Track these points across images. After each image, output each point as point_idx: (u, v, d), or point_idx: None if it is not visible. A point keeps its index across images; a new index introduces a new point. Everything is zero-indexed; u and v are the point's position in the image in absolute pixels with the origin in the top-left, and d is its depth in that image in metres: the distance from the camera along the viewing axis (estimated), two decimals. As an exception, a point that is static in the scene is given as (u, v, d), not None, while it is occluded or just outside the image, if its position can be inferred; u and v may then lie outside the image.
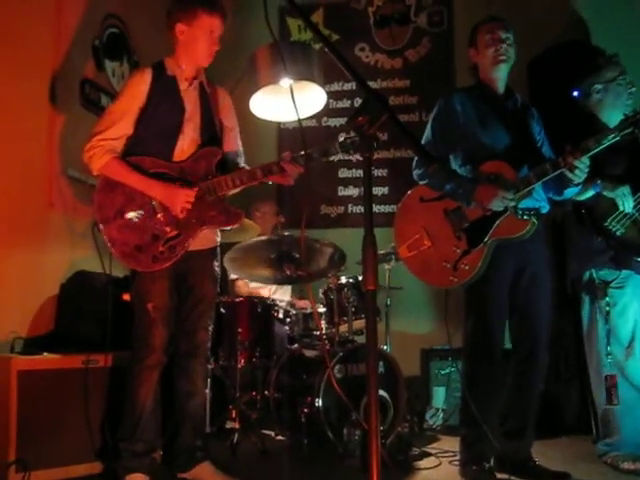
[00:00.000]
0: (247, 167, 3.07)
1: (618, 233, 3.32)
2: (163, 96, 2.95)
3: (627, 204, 3.27)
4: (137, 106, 2.92)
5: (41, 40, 3.82)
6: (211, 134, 3.05)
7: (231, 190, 2.94)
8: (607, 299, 3.35)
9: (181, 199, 2.86)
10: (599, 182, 3.28)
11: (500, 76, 3.19)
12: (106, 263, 2.91)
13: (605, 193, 3.31)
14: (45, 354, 3.13)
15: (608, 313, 3.34)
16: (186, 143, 2.97)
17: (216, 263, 3.11)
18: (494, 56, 3.14)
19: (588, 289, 3.45)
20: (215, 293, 3.13)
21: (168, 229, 2.88)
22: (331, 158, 2.96)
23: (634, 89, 3.53)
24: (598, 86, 3.50)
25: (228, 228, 3.06)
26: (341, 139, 2.86)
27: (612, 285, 3.37)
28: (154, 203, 2.88)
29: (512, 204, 2.96)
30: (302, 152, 2.90)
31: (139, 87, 2.93)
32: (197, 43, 2.96)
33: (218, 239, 3.15)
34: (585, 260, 3.45)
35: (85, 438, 3.05)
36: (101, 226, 2.85)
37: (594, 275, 3.40)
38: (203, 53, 2.99)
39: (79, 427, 3.06)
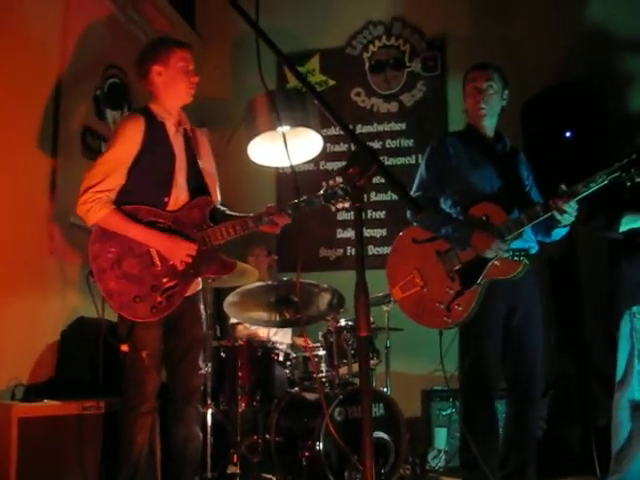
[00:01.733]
0: (233, 213, 3.08)
1: None
2: (156, 144, 2.92)
3: None
4: (132, 155, 2.87)
5: (44, 89, 3.92)
6: (199, 181, 3.05)
7: (225, 240, 2.95)
8: None
9: (183, 252, 2.86)
10: None
11: (486, 124, 3.26)
12: (100, 308, 2.89)
13: None
14: (45, 401, 3.13)
15: None
16: (180, 192, 2.96)
17: (202, 306, 3.11)
18: (474, 109, 3.24)
19: (630, 327, 3.41)
20: (204, 333, 3.13)
21: (165, 280, 2.86)
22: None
23: None
24: None
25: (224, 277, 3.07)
26: (322, 192, 2.91)
27: None
28: (152, 253, 2.87)
29: (506, 255, 3.00)
30: (290, 202, 2.96)
31: (134, 136, 2.88)
32: (178, 79, 2.97)
33: (201, 282, 3.15)
34: (635, 294, 3.42)
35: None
36: (97, 277, 2.81)
37: (634, 310, 3.39)
38: (185, 88, 2.99)
39: (79, 474, 3.04)
